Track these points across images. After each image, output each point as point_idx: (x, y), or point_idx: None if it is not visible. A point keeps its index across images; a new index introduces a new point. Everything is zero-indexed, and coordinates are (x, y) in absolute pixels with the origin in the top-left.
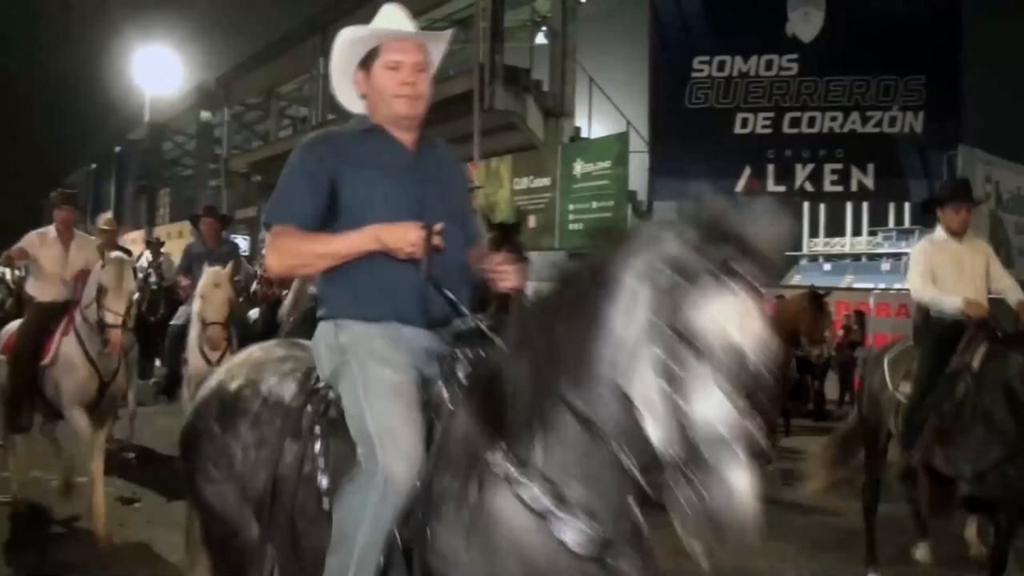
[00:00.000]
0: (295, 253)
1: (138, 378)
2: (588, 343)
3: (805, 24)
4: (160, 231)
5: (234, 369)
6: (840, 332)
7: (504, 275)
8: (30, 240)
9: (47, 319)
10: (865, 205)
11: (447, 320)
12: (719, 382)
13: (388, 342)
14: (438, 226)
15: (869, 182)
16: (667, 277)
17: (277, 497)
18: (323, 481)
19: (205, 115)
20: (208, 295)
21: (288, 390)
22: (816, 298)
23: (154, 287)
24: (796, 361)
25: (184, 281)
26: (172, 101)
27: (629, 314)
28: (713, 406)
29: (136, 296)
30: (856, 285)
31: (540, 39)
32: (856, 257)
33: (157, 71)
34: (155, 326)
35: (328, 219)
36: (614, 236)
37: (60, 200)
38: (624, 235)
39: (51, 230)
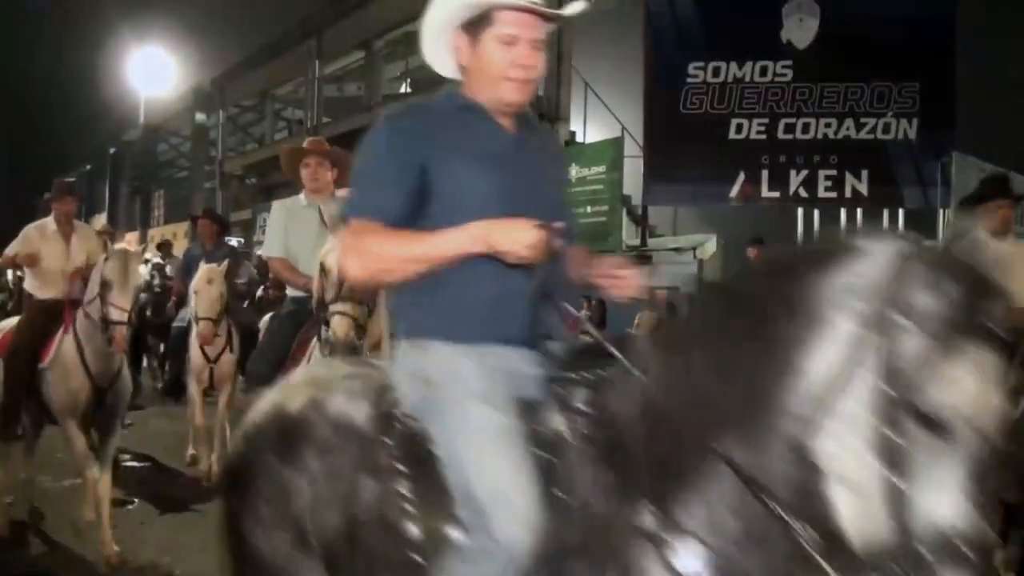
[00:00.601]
0: (381, 256)
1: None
2: (768, 388)
3: (800, 31)
4: (154, 233)
5: (293, 389)
6: None
7: (620, 282)
8: (29, 236)
9: (47, 318)
10: (859, 211)
11: (549, 338)
12: (962, 473)
13: (484, 371)
14: (559, 224)
15: (863, 189)
16: (911, 333)
17: (352, 544)
18: (412, 530)
19: (200, 117)
20: (201, 291)
21: (360, 413)
22: None
23: (158, 289)
24: None
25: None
26: (167, 103)
27: (841, 367)
28: (949, 501)
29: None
30: None
31: None
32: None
33: (152, 73)
34: (158, 328)
35: (415, 215)
36: (809, 252)
37: (60, 191)
38: (827, 252)
39: (50, 223)
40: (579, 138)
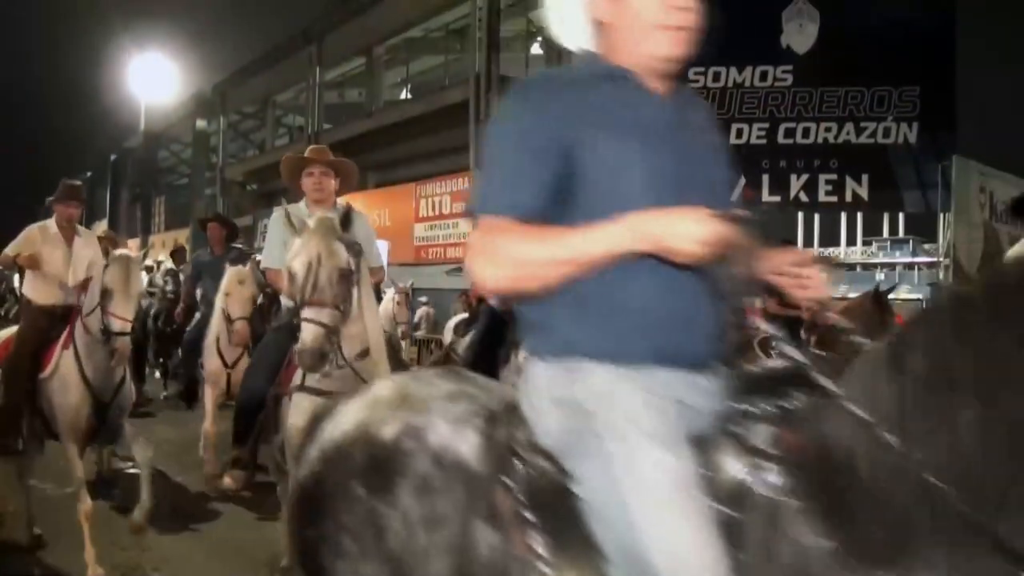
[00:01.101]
0: (521, 261)
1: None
2: None
3: (799, 35)
4: (155, 239)
5: (383, 407)
6: None
7: (804, 281)
8: (31, 235)
9: (47, 325)
10: (859, 215)
11: (727, 359)
12: None
13: (654, 401)
14: (741, 211)
15: (863, 192)
16: None
17: None
18: None
19: (201, 124)
20: (233, 292)
21: (468, 445)
22: (879, 296)
23: (171, 295)
24: None
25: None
26: (168, 109)
27: None
28: None
29: (154, 308)
30: (851, 295)
31: (536, 49)
32: (851, 267)
33: (153, 79)
34: (169, 335)
35: (557, 209)
36: None
37: (65, 193)
38: None
39: (52, 225)
40: None
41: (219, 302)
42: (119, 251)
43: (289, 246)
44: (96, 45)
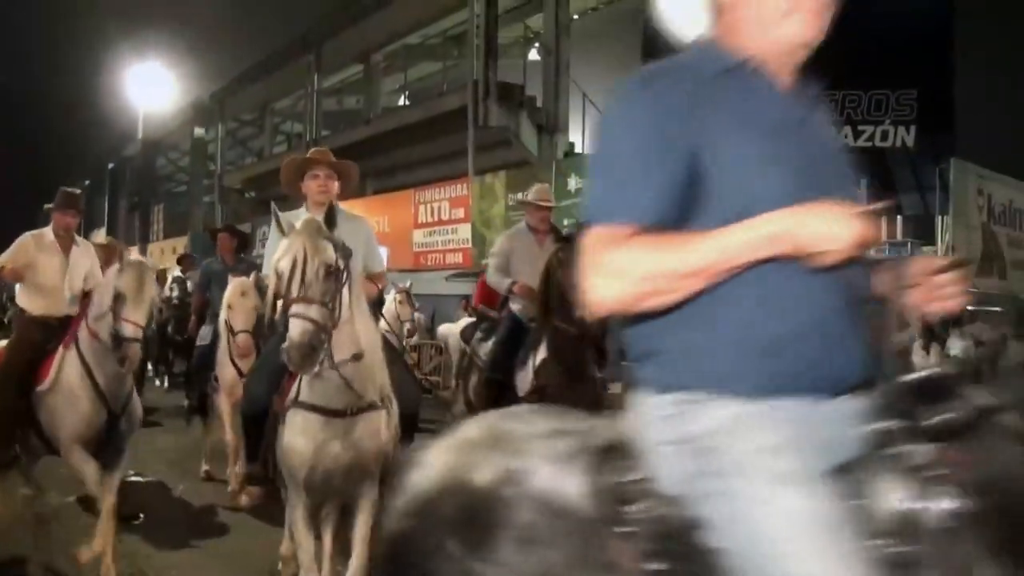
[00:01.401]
0: (646, 274)
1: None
2: None
3: None
4: (154, 247)
5: (473, 449)
6: None
7: (943, 292)
8: (24, 244)
9: (42, 336)
10: None
11: (878, 376)
12: None
13: (789, 434)
14: (880, 207)
15: (862, 195)
16: None
17: None
18: None
19: (199, 131)
20: (235, 304)
21: (576, 489)
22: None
23: (175, 302)
24: None
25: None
26: (166, 117)
27: None
28: None
29: (162, 316)
30: None
31: (533, 55)
32: None
33: (151, 87)
34: (179, 345)
35: (680, 217)
36: None
37: (63, 202)
38: None
39: (48, 234)
40: (578, 149)
41: (222, 314)
42: (134, 256)
43: (273, 249)
44: (94, 53)
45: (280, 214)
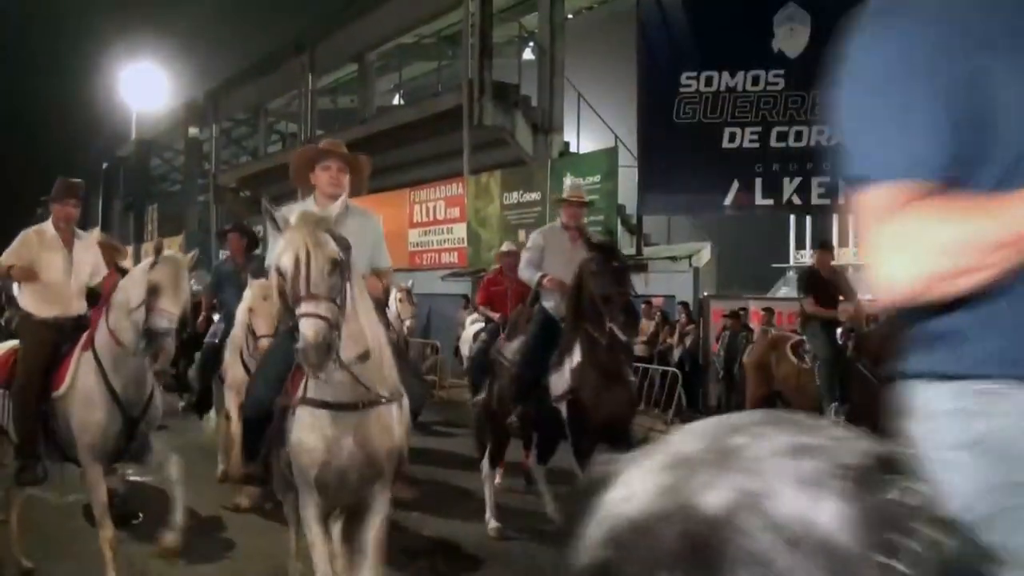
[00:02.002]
0: (952, 245)
1: None
2: None
3: (791, 39)
4: (148, 247)
5: (695, 467)
6: None
7: None
8: (27, 240)
9: (53, 339)
10: (852, 217)
11: None
12: None
13: None
14: None
15: None
16: None
17: None
18: None
19: (193, 131)
20: (257, 308)
21: (829, 516)
22: None
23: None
24: None
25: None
26: (160, 117)
27: None
28: None
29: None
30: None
31: (528, 55)
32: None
33: (144, 87)
34: (185, 343)
35: (962, 166)
36: None
37: (62, 191)
38: None
39: (49, 228)
40: (573, 148)
41: (242, 315)
42: (168, 251)
43: (273, 246)
44: (87, 54)
45: (273, 209)
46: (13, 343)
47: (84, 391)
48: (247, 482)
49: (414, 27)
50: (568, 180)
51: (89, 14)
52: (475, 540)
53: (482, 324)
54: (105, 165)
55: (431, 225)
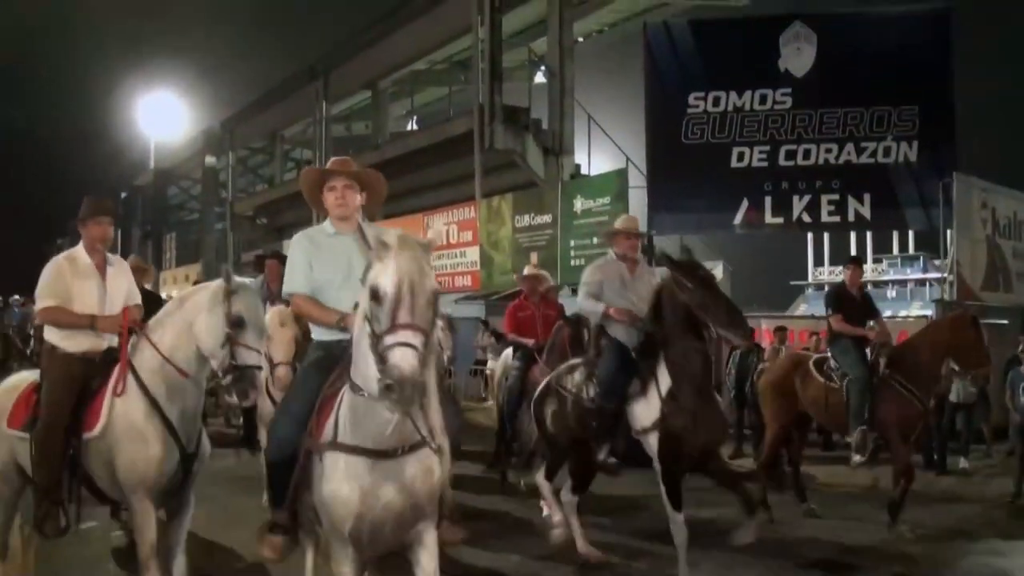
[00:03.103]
0: None
1: None
2: None
3: (797, 58)
4: (167, 275)
5: None
6: None
7: None
8: (60, 270)
9: (83, 373)
10: (868, 232)
11: None
12: None
13: None
14: None
15: (866, 212)
16: None
17: None
18: None
19: (210, 160)
20: (274, 334)
21: None
22: (975, 321)
23: None
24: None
25: None
26: (177, 147)
27: None
28: None
29: None
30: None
31: (539, 78)
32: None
33: (162, 117)
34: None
35: None
36: None
37: (94, 209)
38: None
39: (81, 254)
40: (584, 170)
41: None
42: (242, 280)
43: (316, 266)
44: (105, 84)
45: (366, 226)
46: (29, 375)
47: (132, 426)
48: (271, 531)
49: (426, 53)
50: (623, 215)
51: (107, 45)
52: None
53: (510, 350)
54: (124, 194)
55: (444, 249)
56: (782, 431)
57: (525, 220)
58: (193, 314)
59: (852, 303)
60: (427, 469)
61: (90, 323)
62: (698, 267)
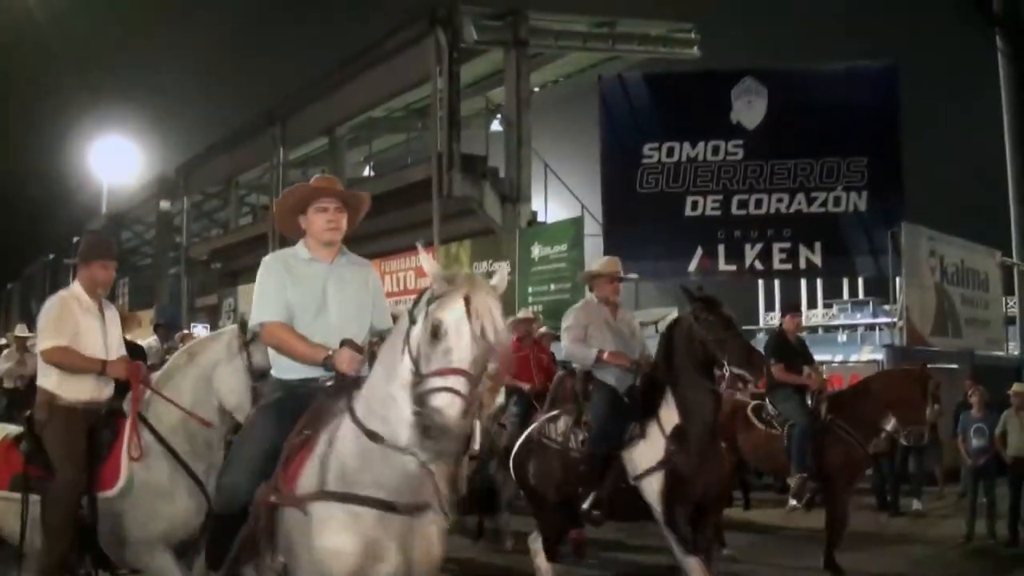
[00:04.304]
0: None
1: None
2: None
3: (748, 111)
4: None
5: None
6: None
7: None
8: (68, 308)
9: (88, 428)
10: (818, 281)
11: None
12: None
13: None
14: None
15: (817, 259)
16: None
17: None
18: None
19: (164, 205)
20: None
21: None
22: (924, 375)
23: None
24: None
25: None
26: (131, 191)
27: None
28: None
29: None
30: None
31: (495, 127)
32: (813, 330)
33: (115, 161)
34: None
35: None
36: None
37: (98, 250)
38: None
39: (80, 293)
40: (540, 218)
41: None
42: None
43: (291, 292)
44: (58, 127)
45: (426, 259)
46: (6, 429)
47: (158, 485)
48: None
49: (384, 101)
50: (605, 258)
51: (60, 88)
52: None
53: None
54: (75, 239)
55: (402, 295)
56: None
57: (483, 266)
58: (209, 368)
59: (792, 351)
60: (433, 537)
61: (101, 368)
62: (719, 303)
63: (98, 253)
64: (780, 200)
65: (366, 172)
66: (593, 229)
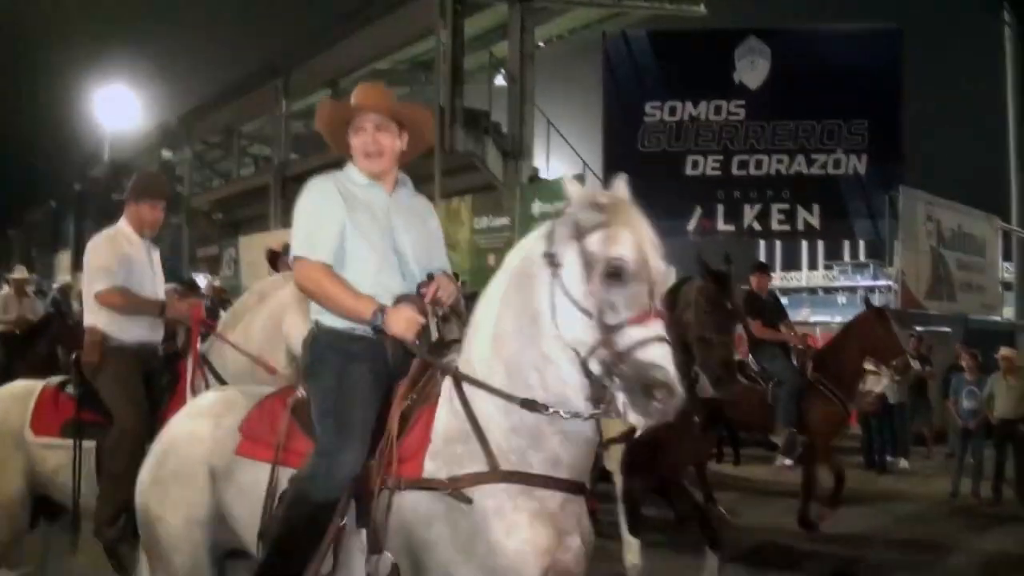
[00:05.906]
0: None
1: None
2: None
3: (751, 72)
4: None
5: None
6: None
7: None
8: (117, 246)
9: (144, 371)
10: (819, 243)
11: None
12: None
13: None
14: None
15: (815, 221)
16: None
17: None
18: None
19: (166, 154)
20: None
21: None
22: (880, 313)
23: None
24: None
25: None
26: (133, 140)
27: None
28: None
29: None
30: (813, 319)
31: (499, 82)
32: (812, 291)
33: (118, 110)
34: None
35: None
36: None
37: (149, 188)
38: None
39: (131, 233)
40: (542, 174)
41: None
42: None
43: (351, 222)
44: (61, 76)
45: (568, 180)
46: (32, 383)
47: None
48: None
49: (387, 54)
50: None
51: (63, 37)
52: None
53: None
54: (78, 187)
55: None
56: None
57: (484, 222)
58: (279, 313)
59: (765, 307)
60: (584, 508)
61: (160, 310)
62: (725, 294)
63: (150, 193)
64: (780, 161)
65: None
66: (594, 186)
